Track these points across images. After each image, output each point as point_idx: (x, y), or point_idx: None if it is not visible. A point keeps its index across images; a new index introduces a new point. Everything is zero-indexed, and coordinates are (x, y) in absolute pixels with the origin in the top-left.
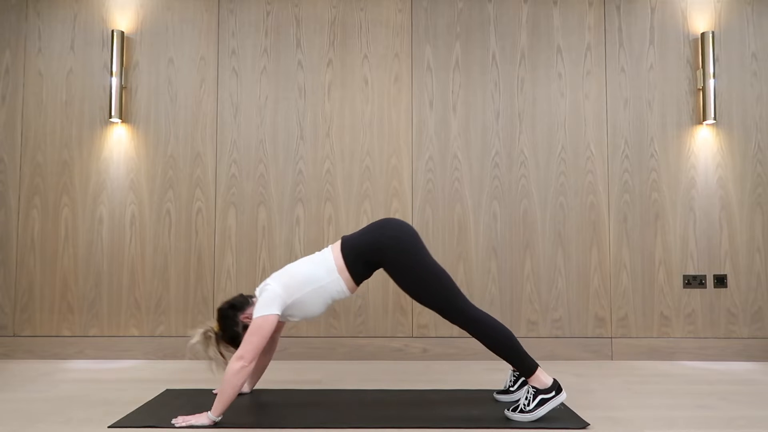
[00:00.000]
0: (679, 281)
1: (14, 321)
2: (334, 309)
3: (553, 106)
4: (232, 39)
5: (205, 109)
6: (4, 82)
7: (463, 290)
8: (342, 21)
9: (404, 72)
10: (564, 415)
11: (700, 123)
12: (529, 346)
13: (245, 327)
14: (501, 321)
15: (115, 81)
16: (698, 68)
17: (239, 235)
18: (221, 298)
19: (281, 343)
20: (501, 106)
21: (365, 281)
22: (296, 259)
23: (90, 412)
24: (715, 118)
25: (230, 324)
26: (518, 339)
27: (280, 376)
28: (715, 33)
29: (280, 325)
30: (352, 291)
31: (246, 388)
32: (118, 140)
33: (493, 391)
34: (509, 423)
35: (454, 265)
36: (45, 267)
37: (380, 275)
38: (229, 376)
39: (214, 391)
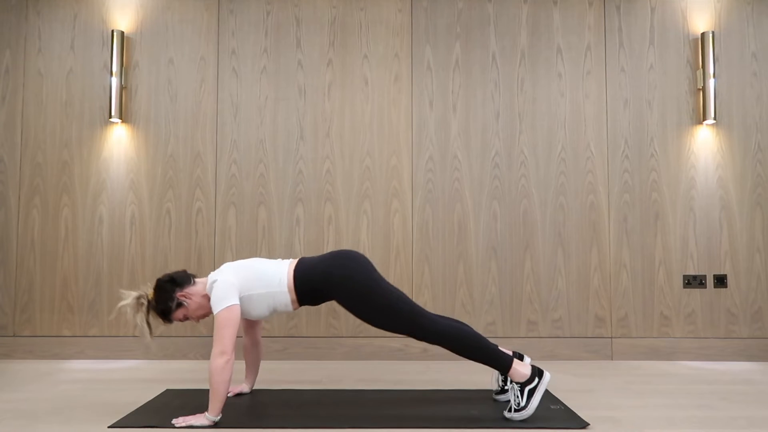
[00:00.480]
0: (679, 281)
1: (14, 321)
2: (334, 309)
3: (553, 106)
4: (232, 39)
5: (205, 109)
6: (4, 82)
7: (463, 290)
8: (342, 21)
9: (404, 72)
10: (564, 415)
11: (700, 123)
12: (529, 346)
13: (179, 305)
14: (501, 321)
15: (115, 81)
16: (698, 68)
17: (239, 235)
18: None
19: (281, 343)
20: (501, 106)
21: None
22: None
23: (90, 412)
24: (715, 118)
25: (165, 297)
26: (517, 339)
27: (280, 376)
28: (715, 33)
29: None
30: (294, 308)
31: (246, 388)
32: (118, 140)
33: (493, 391)
34: (509, 423)
35: (454, 265)
36: (45, 267)
37: None
38: (216, 373)
39: None
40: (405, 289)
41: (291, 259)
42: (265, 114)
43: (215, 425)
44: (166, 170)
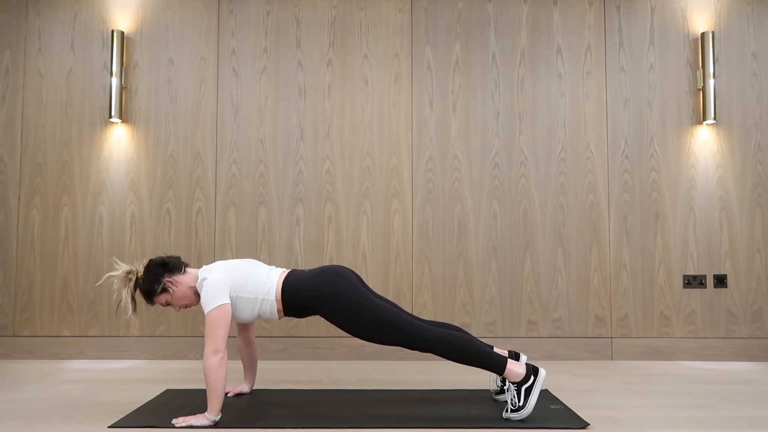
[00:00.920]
0: (679, 281)
1: (14, 321)
2: None
3: (553, 106)
4: (232, 39)
5: (205, 109)
6: (4, 82)
7: (463, 290)
8: (342, 21)
9: (404, 72)
10: (564, 415)
11: (700, 123)
12: (529, 346)
13: (164, 290)
14: (501, 321)
15: (115, 81)
16: (698, 68)
17: (239, 235)
18: None
19: (281, 343)
20: (501, 106)
21: None
22: (296, 259)
23: (90, 412)
24: (715, 118)
25: (152, 279)
26: (517, 339)
27: (280, 376)
28: (715, 33)
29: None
30: (279, 318)
31: (246, 388)
32: (118, 140)
33: (492, 391)
34: (509, 423)
35: (454, 265)
36: (45, 267)
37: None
38: (211, 372)
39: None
40: (405, 289)
41: (283, 269)
42: (265, 114)
43: (215, 425)
44: (166, 170)
